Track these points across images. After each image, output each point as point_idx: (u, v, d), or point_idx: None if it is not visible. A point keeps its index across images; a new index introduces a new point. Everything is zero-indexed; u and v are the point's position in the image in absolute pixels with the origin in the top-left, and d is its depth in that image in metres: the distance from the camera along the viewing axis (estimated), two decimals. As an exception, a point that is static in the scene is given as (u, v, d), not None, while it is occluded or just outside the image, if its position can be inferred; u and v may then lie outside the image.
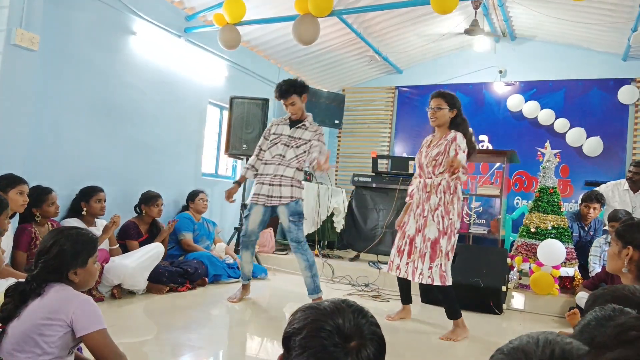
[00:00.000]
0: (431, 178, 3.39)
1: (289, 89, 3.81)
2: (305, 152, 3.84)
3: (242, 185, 5.67)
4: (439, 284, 3.31)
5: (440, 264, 3.31)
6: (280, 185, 3.78)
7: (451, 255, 3.38)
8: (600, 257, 4.59)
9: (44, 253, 1.81)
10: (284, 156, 3.83)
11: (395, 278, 3.70)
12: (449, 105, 3.38)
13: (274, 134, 3.94)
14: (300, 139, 3.85)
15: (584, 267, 4.71)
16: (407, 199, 3.62)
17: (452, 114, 3.40)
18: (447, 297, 3.41)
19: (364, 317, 0.96)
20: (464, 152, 3.30)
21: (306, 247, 3.82)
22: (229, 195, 4.01)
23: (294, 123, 3.92)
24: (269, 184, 3.80)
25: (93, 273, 1.89)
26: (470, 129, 3.48)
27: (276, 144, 3.89)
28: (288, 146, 3.85)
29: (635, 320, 0.56)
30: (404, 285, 3.72)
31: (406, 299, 3.76)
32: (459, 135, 3.34)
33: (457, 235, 3.43)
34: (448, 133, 3.40)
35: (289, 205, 3.78)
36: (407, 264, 3.43)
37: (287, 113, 3.94)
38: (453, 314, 3.41)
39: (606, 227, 4.82)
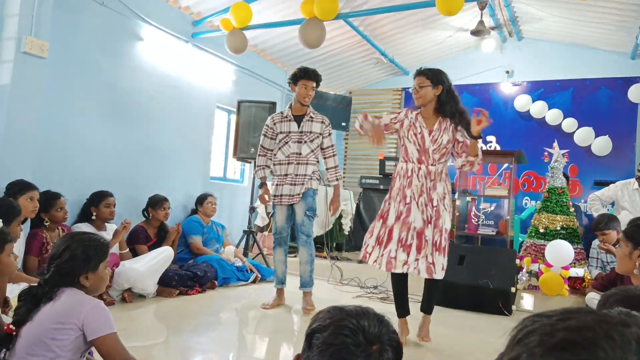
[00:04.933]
0: (435, 165, 3.15)
1: (317, 74, 3.85)
2: (318, 146, 3.90)
3: (251, 188, 5.77)
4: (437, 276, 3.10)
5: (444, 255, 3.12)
6: (302, 184, 3.84)
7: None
8: (597, 258, 4.60)
9: (56, 257, 1.83)
10: (300, 153, 3.85)
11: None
12: (432, 82, 3.12)
13: (280, 132, 3.89)
14: (311, 132, 3.86)
15: None
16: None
17: (438, 91, 3.13)
18: (438, 290, 3.26)
19: (386, 324, 0.99)
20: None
21: (312, 241, 3.92)
22: (263, 199, 4.03)
23: (299, 118, 3.88)
24: (291, 184, 3.84)
25: (104, 278, 1.92)
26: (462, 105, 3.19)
27: (287, 142, 3.87)
28: (301, 142, 3.85)
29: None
30: (402, 289, 3.26)
31: (405, 310, 3.26)
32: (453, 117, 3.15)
33: None
34: (444, 118, 3.16)
35: (307, 200, 3.84)
36: (417, 260, 3.06)
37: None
38: (432, 308, 3.27)
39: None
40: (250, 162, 5.89)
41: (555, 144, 5.12)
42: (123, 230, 3.96)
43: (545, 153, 5.16)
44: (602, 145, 6.51)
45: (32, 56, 3.60)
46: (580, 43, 6.87)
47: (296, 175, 3.84)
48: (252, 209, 5.77)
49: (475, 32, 6.36)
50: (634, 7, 5.38)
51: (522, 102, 7.03)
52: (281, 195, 3.87)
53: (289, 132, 3.86)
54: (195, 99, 5.61)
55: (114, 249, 3.90)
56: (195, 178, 5.69)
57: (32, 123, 3.68)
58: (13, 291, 2.67)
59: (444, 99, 3.15)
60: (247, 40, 5.11)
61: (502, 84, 7.30)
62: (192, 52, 5.48)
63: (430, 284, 3.24)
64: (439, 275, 3.07)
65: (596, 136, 6.55)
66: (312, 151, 3.87)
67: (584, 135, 6.61)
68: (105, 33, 4.50)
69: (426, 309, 3.26)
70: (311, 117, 3.88)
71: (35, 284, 1.85)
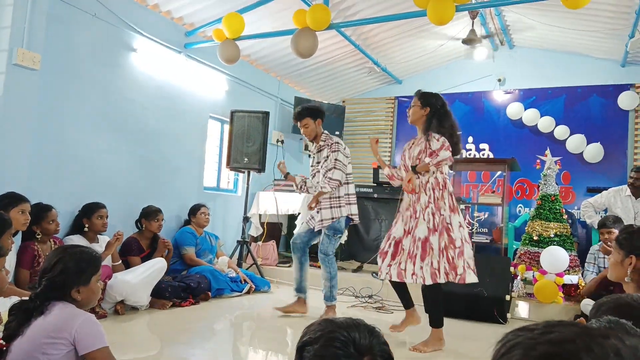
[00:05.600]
0: (418, 178, 3.36)
1: (303, 112, 4.09)
2: None
3: (245, 198, 5.76)
4: (430, 282, 3.18)
5: (432, 262, 3.17)
6: (322, 209, 4.02)
7: (452, 252, 3.19)
8: (594, 263, 4.61)
9: (48, 271, 1.82)
10: (319, 181, 4.11)
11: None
12: (421, 104, 3.43)
13: (311, 166, 4.25)
14: (323, 159, 4.10)
15: None
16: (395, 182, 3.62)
17: (425, 112, 3.41)
18: (435, 299, 3.29)
19: (377, 336, 0.99)
20: (437, 141, 3.28)
21: (332, 260, 4.04)
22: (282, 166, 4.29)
23: (318, 150, 4.17)
24: (317, 211, 4.05)
25: (95, 291, 1.90)
26: (454, 122, 3.42)
27: (313, 176, 4.20)
28: (319, 171, 4.12)
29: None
30: (399, 289, 3.50)
31: (407, 303, 3.53)
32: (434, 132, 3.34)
33: (455, 229, 3.27)
34: (427, 133, 3.38)
35: (331, 225, 4.01)
36: (390, 265, 3.32)
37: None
38: (436, 321, 3.30)
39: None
40: (243, 172, 5.88)
41: (548, 152, 5.15)
42: (116, 242, 3.93)
43: (538, 160, 5.18)
44: (594, 152, 6.55)
45: (23, 68, 3.59)
46: (571, 51, 6.93)
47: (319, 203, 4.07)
48: (246, 219, 5.76)
49: (467, 41, 6.41)
50: (624, 15, 5.44)
51: (515, 110, 7.07)
52: (312, 217, 4.12)
53: (312, 166, 4.22)
54: (188, 109, 5.60)
55: (107, 261, 3.87)
56: (189, 188, 5.67)
57: (25, 135, 3.66)
58: (4, 305, 2.64)
59: (431, 119, 3.40)
60: (239, 50, 5.11)
61: (494, 92, 7.34)
62: (185, 62, 5.48)
63: (423, 290, 3.39)
64: (409, 280, 3.27)
65: (588, 143, 6.59)
66: (324, 175, 4.04)
67: (576, 143, 6.65)
68: (97, 44, 4.49)
69: (429, 321, 3.35)
70: (320, 146, 4.12)
71: (27, 298, 1.83)
